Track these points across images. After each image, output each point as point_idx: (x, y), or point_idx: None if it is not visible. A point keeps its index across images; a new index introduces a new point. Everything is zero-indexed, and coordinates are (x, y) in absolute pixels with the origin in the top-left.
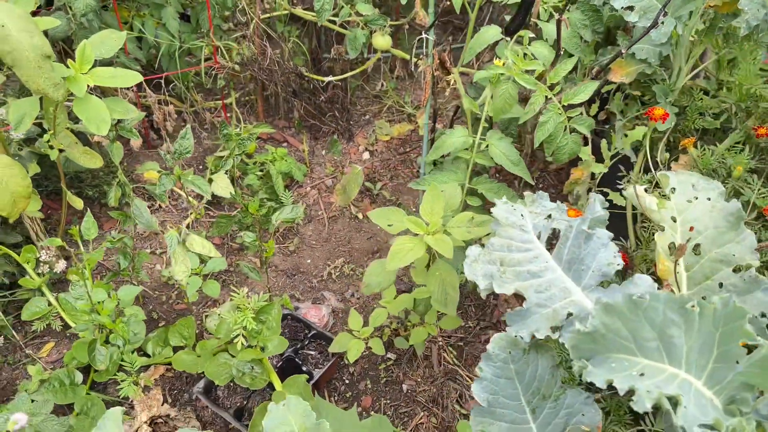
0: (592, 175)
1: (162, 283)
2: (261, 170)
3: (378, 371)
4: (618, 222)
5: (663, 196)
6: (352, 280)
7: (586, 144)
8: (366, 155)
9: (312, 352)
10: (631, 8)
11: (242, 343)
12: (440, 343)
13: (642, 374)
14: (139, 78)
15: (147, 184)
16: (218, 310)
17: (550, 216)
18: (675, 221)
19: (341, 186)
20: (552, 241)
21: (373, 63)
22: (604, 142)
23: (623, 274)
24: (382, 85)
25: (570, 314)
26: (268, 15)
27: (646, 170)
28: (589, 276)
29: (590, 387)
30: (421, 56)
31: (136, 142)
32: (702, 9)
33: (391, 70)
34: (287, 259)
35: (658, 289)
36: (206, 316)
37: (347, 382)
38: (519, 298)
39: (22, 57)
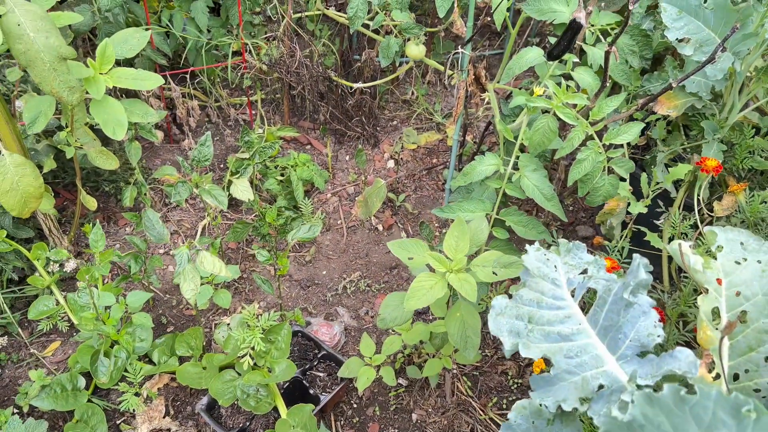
0: (628, 210)
1: (173, 286)
2: (282, 174)
3: (388, 397)
4: (651, 259)
5: (707, 252)
6: (368, 297)
7: (623, 178)
8: (390, 163)
9: (321, 374)
10: (686, 40)
11: (249, 364)
12: (455, 371)
13: None
14: (161, 81)
15: (164, 185)
16: (228, 320)
17: (585, 271)
18: (720, 283)
19: (363, 198)
20: (586, 299)
21: (405, 70)
22: (644, 177)
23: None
24: (413, 93)
25: (601, 386)
26: (299, 14)
27: (686, 208)
28: (626, 346)
29: None
30: (455, 69)
31: (158, 135)
32: (766, 44)
33: (422, 75)
34: (302, 269)
35: (698, 359)
36: (216, 325)
37: (355, 406)
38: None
39: (37, 58)
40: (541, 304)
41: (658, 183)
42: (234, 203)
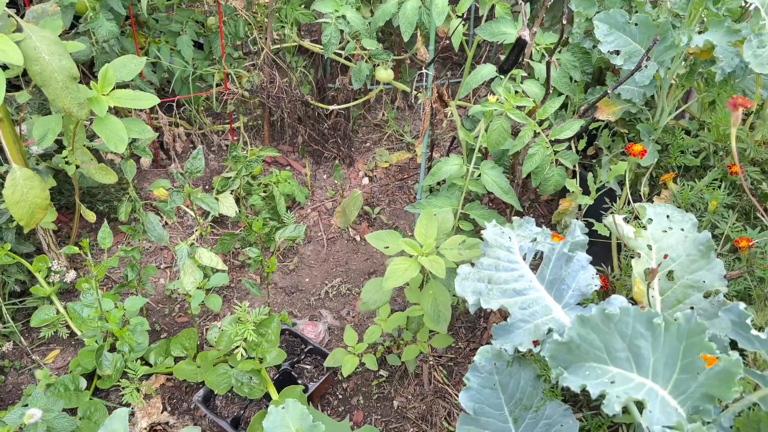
0: (580, 207)
1: (165, 297)
2: (264, 191)
3: (370, 387)
4: (603, 251)
5: (641, 226)
6: (348, 299)
7: (574, 177)
8: (365, 180)
9: (308, 367)
10: (617, 52)
11: (242, 354)
12: (431, 362)
13: (613, 381)
14: (156, 100)
15: (156, 201)
16: (219, 324)
17: (535, 239)
18: (650, 249)
19: (341, 208)
20: (536, 262)
21: (375, 94)
22: (590, 175)
23: (603, 298)
24: (383, 114)
25: (550, 330)
26: (277, 46)
27: (630, 203)
28: (569, 295)
29: (566, 399)
30: (420, 89)
31: (146, 161)
32: (684, 54)
33: (392, 101)
34: (286, 277)
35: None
36: (207, 329)
37: (340, 397)
38: (504, 315)
39: (51, 78)
40: (498, 268)
41: (602, 181)
42: (221, 220)
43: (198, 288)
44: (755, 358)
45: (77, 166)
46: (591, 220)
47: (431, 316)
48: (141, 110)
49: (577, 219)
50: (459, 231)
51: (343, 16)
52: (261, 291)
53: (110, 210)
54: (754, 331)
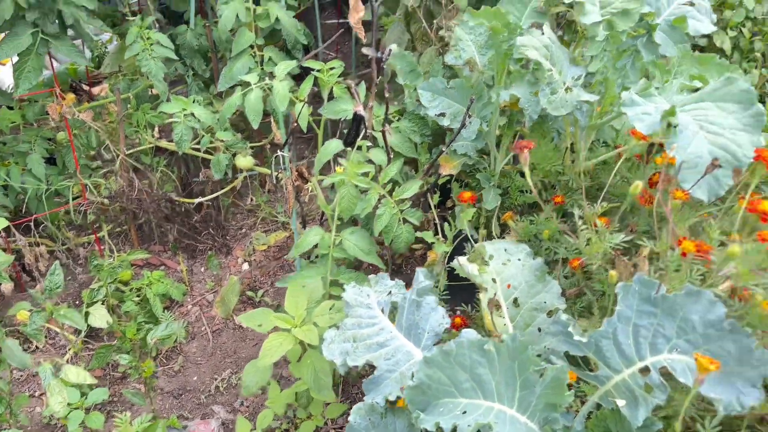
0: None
1: (44, 426)
2: (138, 295)
3: None
4: (467, 292)
5: (486, 263)
6: (240, 390)
7: (436, 229)
8: (245, 266)
9: None
10: (443, 115)
11: None
12: (331, 430)
13: (465, 412)
14: (5, 222)
15: (21, 326)
16: None
17: (390, 292)
18: (495, 282)
19: (220, 298)
20: (394, 312)
21: (240, 181)
22: (446, 225)
23: None
24: (252, 200)
25: (414, 374)
26: (133, 150)
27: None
28: (426, 338)
29: None
30: (281, 170)
31: (7, 287)
32: (499, 108)
33: (262, 185)
34: (172, 380)
35: (488, 338)
36: None
37: None
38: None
39: None
40: (360, 326)
41: (458, 228)
42: (95, 333)
43: (75, 408)
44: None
45: None
46: (452, 265)
47: (313, 386)
48: None
49: (425, 268)
50: (333, 297)
51: (192, 114)
52: (144, 399)
53: None
54: (576, 337)
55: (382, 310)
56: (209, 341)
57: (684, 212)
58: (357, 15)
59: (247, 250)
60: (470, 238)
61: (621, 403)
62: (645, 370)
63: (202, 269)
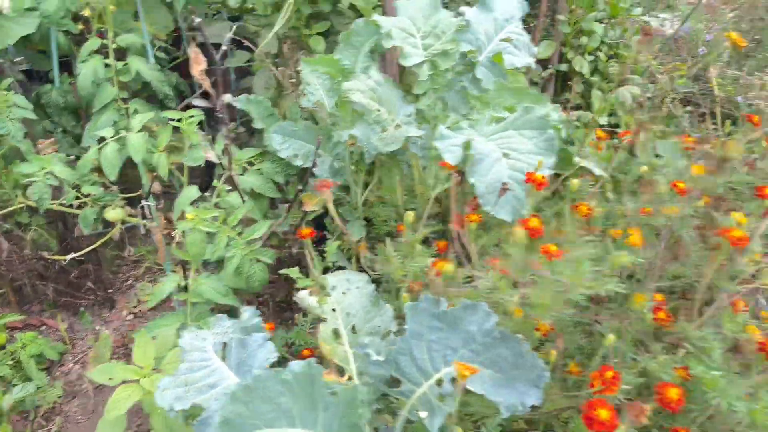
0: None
1: None
2: (12, 359)
3: None
4: None
5: (327, 294)
6: None
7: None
8: (130, 317)
9: None
10: (297, 155)
11: None
12: None
13: None
14: None
15: None
16: None
17: (226, 333)
18: (335, 311)
19: (94, 354)
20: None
21: (117, 233)
22: (316, 260)
23: None
24: (129, 251)
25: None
26: (5, 210)
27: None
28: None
29: None
30: (150, 219)
31: None
32: (349, 145)
33: (146, 235)
34: None
35: (325, 368)
36: None
37: None
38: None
39: None
40: (193, 369)
41: (330, 261)
42: None
43: None
44: None
45: None
46: None
47: None
48: None
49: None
50: None
51: (51, 172)
52: None
53: None
54: (374, 357)
55: (218, 353)
56: (91, 398)
57: (492, 232)
58: (198, 67)
59: (131, 302)
60: (342, 268)
61: (423, 414)
62: (441, 382)
63: (86, 326)
